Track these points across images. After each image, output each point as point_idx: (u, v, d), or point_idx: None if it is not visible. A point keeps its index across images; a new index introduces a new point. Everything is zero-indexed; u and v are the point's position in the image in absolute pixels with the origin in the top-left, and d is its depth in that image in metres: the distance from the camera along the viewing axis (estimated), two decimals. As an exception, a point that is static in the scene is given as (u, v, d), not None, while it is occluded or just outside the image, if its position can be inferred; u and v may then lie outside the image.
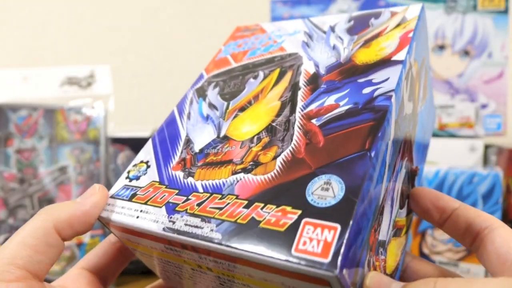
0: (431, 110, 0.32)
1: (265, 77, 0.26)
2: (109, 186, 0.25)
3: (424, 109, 0.29)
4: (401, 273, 0.27)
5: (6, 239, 0.54)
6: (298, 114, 0.23)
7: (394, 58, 0.23)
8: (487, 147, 0.61)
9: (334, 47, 0.26)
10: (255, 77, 0.27)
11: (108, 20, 0.87)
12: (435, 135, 0.61)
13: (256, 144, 0.22)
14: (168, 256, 0.22)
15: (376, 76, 0.22)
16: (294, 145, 0.21)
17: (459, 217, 0.23)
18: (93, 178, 0.59)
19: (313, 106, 0.23)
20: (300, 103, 0.23)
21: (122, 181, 0.24)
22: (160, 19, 0.87)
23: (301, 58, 0.27)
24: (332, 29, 0.28)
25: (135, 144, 0.62)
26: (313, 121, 0.22)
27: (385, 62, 0.23)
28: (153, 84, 0.87)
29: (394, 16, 0.27)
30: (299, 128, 0.22)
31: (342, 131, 0.20)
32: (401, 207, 0.25)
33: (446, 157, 0.57)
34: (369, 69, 0.23)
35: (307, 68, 0.26)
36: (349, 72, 0.24)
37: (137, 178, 0.24)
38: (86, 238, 0.59)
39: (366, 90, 0.22)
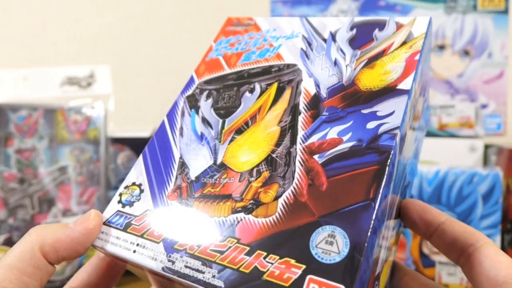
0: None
1: (262, 92, 0.25)
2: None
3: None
4: None
5: (6, 239, 0.54)
6: (299, 146, 0.22)
7: (400, 86, 0.22)
8: (487, 147, 0.61)
9: (335, 63, 0.25)
10: (251, 91, 0.26)
11: (108, 20, 0.87)
12: (435, 135, 0.61)
13: (256, 179, 0.21)
14: (165, 284, 0.22)
15: (381, 108, 0.22)
16: (296, 185, 0.20)
17: (444, 232, 0.23)
18: (93, 178, 0.59)
19: (314, 138, 0.22)
20: (301, 132, 0.23)
21: (114, 205, 0.23)
22: (160, 19, 0.87)
23: (301, 72, 0.25)
24: (333, 37, 0.26)
25: (135, 144, 0.62)
26: (315, 157, 0.21)
27: (390, 91, 0.22)
28: (153, 84, 0.87)
29: (400, 29, 0.25)
30: (301, 165, 0.21)
31: (346, 174, 0.20)
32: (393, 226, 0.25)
33: (446, 157, 0.57)
34: (373, 98, 0.23)
35: (307, 87, 0.25)
36: (352, 99, 0.23)
37: (131, 204, 0.23)
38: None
39: (371, 125, 0.21)
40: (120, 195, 0.24)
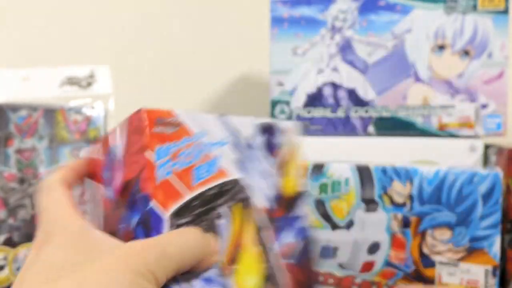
0: None
1: (228, 218, 0.28)
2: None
3: None
4: None
5: (6, 239, 0.54)
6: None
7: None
8: (487, 147, 0.61)
9: (265, 173, 0.31)
10: (219, 218, 0.28)
11: (108, 20, 0.87)
12: (435, 135, 0.61)
13: None
14: None
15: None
16: None
17: None
18: (93, 178, 0.59)
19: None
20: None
21: None
22: (160, 19, 0.87)
23: (247, 188, 0.30)
24: (250, 146, 0.31)
25: (135, 144, 0.62)
26: None
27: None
28: (153, 84, 0.87)
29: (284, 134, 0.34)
30: None
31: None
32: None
33: (446, 157, 0.57)
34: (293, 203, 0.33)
35: (258, 202, 0.30)
36: (285, 207, 0.32)
37: None
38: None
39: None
40: None
